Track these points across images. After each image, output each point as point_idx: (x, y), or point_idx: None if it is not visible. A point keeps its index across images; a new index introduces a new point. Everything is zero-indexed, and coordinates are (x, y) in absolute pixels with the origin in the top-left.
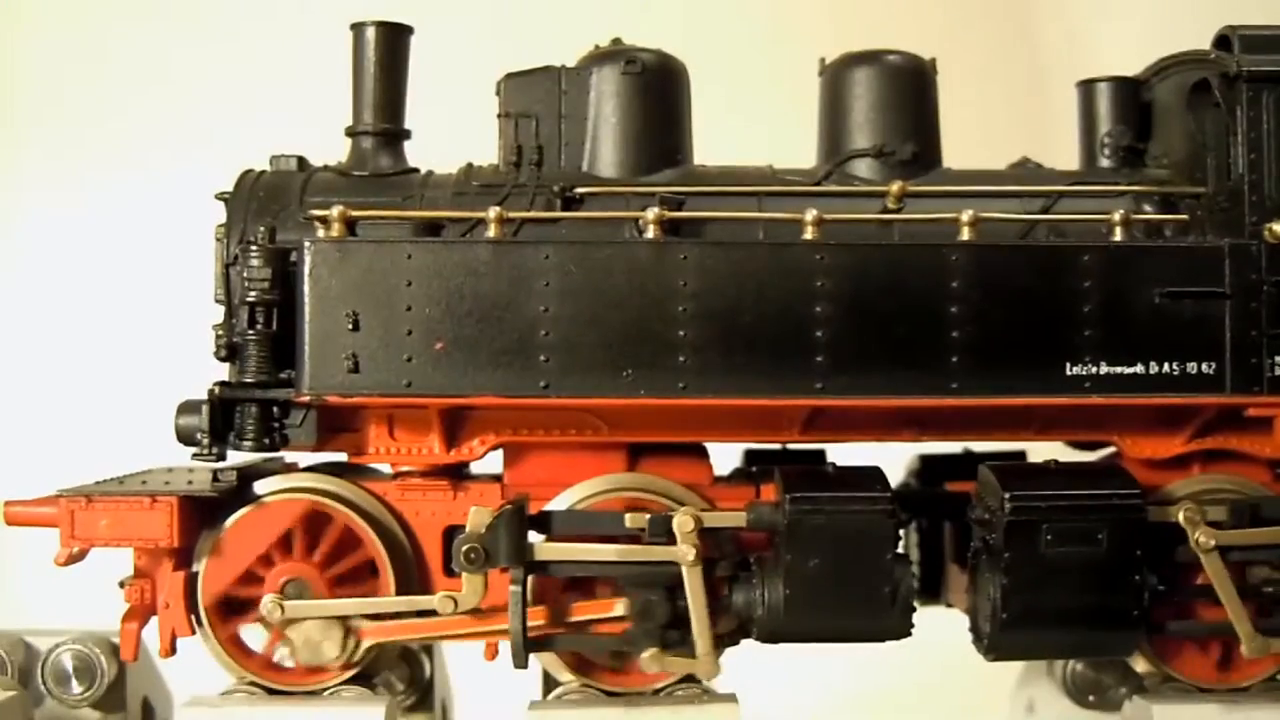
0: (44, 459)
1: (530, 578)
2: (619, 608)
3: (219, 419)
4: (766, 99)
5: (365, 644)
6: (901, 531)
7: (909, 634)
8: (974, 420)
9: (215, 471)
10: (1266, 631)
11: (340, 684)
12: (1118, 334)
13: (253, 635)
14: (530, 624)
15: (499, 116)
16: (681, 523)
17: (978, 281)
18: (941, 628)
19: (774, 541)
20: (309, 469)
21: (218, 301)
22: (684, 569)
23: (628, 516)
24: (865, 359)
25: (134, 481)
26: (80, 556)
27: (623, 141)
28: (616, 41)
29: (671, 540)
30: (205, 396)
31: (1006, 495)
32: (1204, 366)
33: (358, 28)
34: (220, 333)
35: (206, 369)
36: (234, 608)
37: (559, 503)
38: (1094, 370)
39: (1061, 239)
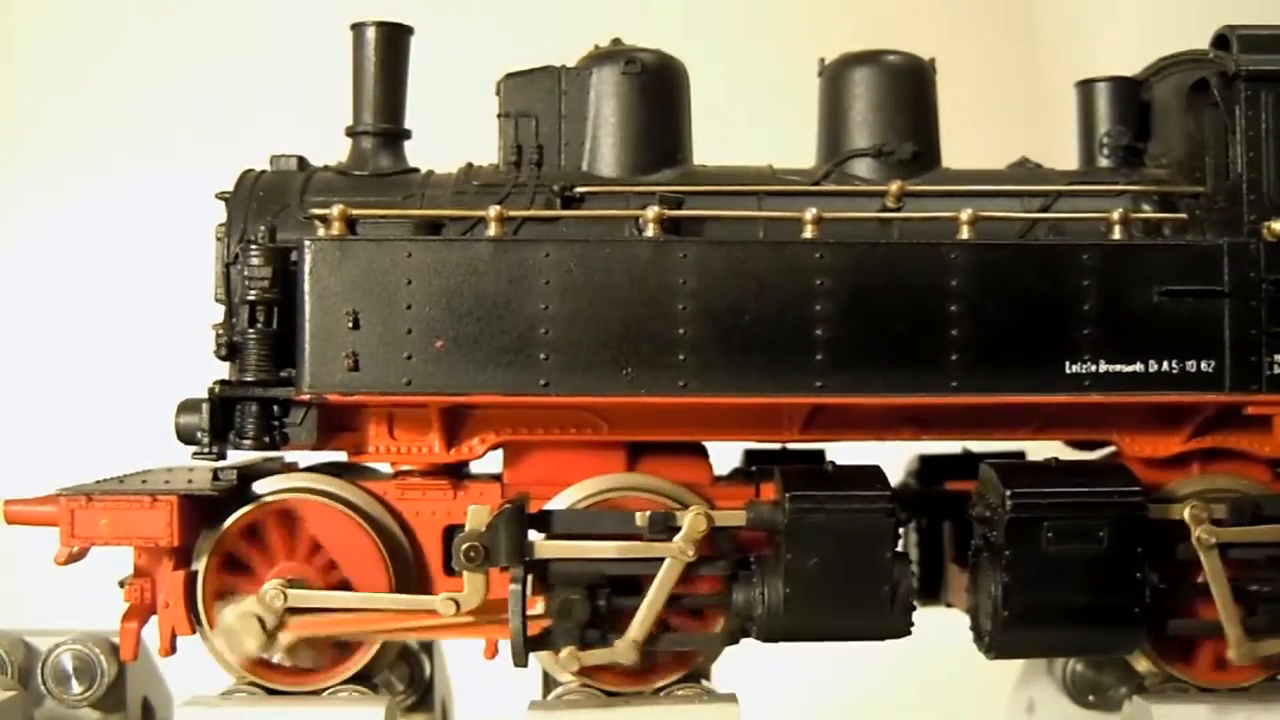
0: (44, 459)
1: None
2: (539, 606)
3: (219, 418)
4: (766, 99)
5: (287, 637)
6: (901, 531)
7: (909, 633)
8: (974, 419)
9: (215, 470)
10: (1255, 631)
11: (340, 684)
12: (1117, 332)
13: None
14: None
15: (499, 116)
16: (695, 522)
17: (977, 280)
18: (941, 628)
19: (774, 541)
20: (309, 468)
21: (218, 301)
22: (667, 561)
23: (639, 515)
24: (865, 357)
25: (134, 481)
26: (80, 556)
27: (622, 141)
28: (616, 41)
29: (669, 538)
30: (205, 395)
31: (1008, 493)
32: (1203, 365)
33: (358, 28)
34: (220, 332)
35: (206, 368)
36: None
37: (559, 502)
38: (1093, 368)
39: (1061, 238)
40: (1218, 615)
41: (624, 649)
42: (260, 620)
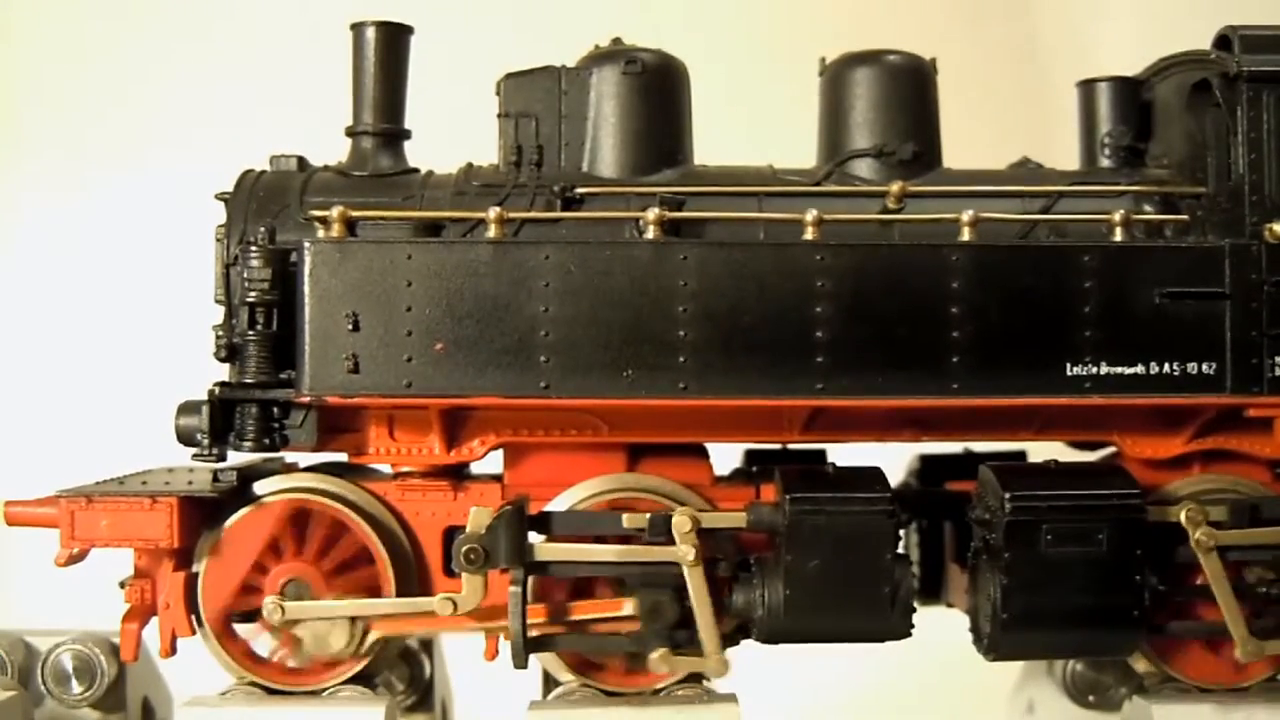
0: (44, 459)
1: (530, 577)
2: (627, 607)
3: (219, 419)
4: (766, 99)
5: (373, 635)
6: (901, 531)
7: (909, 634)
8: (974, 420)
9: (215, 472)
10: (1261, 633)
11: (340, 684)
12: (1118, 334)
13: (252, 636)
14: (530, 623)
15: (499, 116)
16: (679, 523)
17: (978, 281)
18: (941, 628)
19: (774, 542)
20: (309, 469)
21: (218, 302)
22: (685, 569)
23: (625, 517)
24: (866, 359)
25: (134, 482)
26: (80, 557)
27: (623, 141)
28: (616, 41)
29: (671, 540)
30: (205, 397)
31: (1007, 495)
32: (1204, 367)
33: (358, 28)
34: (220, 333)
35: (206, 369)
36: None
37: (559, 503)
38: (1094, 370)
39: (1062, 239)
40: (1219, 616)
41: (713, 666)
42: (349, 620)
